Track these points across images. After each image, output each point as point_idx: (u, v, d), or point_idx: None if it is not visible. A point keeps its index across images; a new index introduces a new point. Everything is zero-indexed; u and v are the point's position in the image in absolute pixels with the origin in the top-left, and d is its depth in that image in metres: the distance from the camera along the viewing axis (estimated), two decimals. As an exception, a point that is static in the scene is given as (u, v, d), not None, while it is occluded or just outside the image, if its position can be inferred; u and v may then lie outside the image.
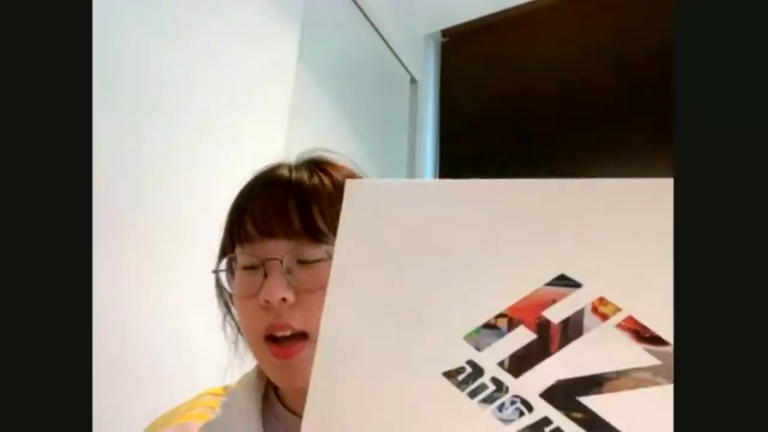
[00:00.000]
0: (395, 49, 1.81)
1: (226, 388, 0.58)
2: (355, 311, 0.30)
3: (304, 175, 0.51)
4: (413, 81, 1.93)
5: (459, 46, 1.98)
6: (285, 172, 0.52)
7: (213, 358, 0.93)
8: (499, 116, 1.82)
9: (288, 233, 0.49)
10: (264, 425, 0.52)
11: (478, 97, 1.89)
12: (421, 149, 1.86)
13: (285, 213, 0.49)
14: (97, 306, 0.72)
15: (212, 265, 0.56)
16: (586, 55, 1.70)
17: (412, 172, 1.84)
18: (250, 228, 0.50)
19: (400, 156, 1.82)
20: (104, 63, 0.80)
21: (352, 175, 0.54)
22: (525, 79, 1.80)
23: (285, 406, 0.55)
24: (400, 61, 1.85)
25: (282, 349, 0.48)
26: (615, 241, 0.29)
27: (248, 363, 0.58)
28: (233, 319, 0.58)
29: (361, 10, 1.64)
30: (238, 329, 0.57)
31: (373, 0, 1.66)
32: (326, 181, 0.51)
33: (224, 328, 0.59)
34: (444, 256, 0.30)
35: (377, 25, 1.71)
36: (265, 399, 0.55)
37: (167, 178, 0.90)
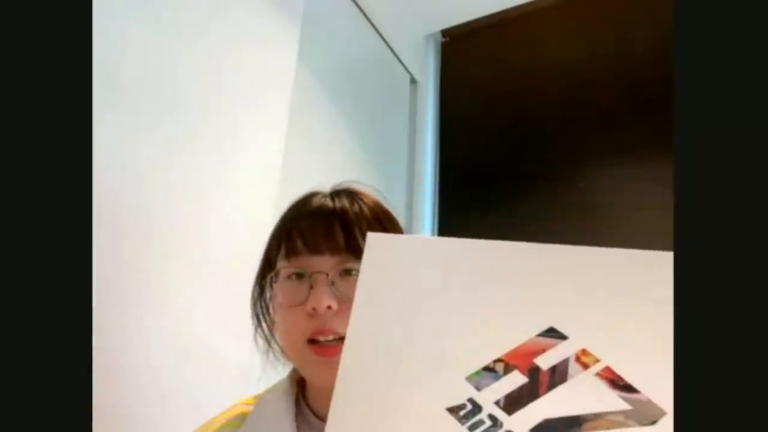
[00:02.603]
0: (395, 49, 1.80)
1: (256, 398, 0.63)
2: (372, 353, 0.34)
3: (346, 203, 0.60)
4: (413, 81, 1.93)
5: (459, 46, 1.98)
6: (329, 202, 0.60)
7: (213, 357, 0.93)
8: (499, 116, 1.81)
9: (333, 250, 0.56)
10: (297, 429, 0.57)
11: (478, 97, 1.89)
12: (421, 149, 1.86)
13: (332, 234, 0.57)
14: (98, 306, 0.72)
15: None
16: (587, 55, 1.70)
17: (411, 172, 1.83)
18: (299, 244, 0.57)
19: (400, 156, 1.82)
20: (104, 63, 0.80)
21: (378, 203, 0.63)
22: (525, 79, 1.80)
23: (315, 414, 0.59)
24: (400, 61, 1.85)
25: (324, 349, 0.55)
26: (599, 300, 0.33)
27: (280, 372, 0.63)
28: (263, 331, 0.63)
29: (361, 10, 1.64)
30: (268, 342, 0.63)
31: (373, 0, 1.66)
32: (365, 208, 0.60)
33: (255, 341, 0.64)
34: (452, 308, 0.35)
35: (377, 25, 1.71)
36: (296, 406, 0.60)
37: (167, 178, 0.90)
